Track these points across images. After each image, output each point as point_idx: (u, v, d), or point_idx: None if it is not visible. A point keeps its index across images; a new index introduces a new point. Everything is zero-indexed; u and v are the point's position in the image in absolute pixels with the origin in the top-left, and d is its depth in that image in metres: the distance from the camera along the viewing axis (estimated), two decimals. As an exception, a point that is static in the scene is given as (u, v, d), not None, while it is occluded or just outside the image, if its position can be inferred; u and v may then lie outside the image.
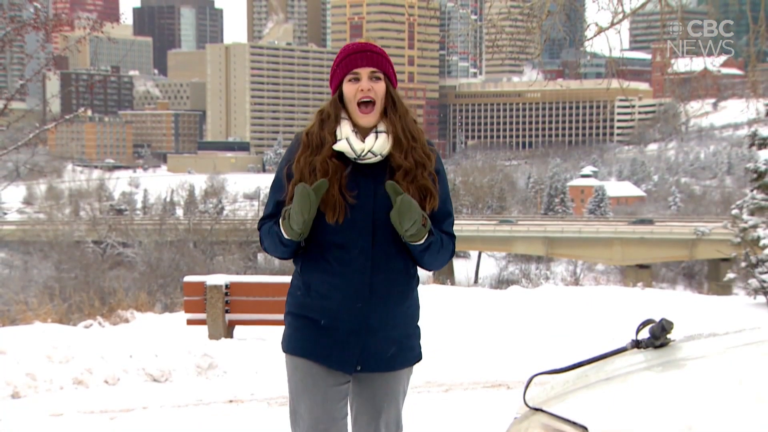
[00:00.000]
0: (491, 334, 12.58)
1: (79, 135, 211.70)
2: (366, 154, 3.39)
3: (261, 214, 3.70)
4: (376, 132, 3.42)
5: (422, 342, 3.67)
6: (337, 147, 3.38)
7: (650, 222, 78.27)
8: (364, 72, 3.41)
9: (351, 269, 3.38)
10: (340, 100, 3.46)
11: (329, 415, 3.45)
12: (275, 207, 3.52)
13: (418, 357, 3.59)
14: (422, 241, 3.35)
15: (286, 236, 3.38)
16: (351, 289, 3.39)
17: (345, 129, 3.41)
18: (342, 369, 3.43)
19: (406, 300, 3.50)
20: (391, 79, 3.49)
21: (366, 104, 3.40)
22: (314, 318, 3.45)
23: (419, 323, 3.61)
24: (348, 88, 3.42)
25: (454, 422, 6.84)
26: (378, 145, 3.39)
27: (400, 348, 3.50)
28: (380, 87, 3.43)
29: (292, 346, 3.51)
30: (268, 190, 3.69)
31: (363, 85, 3.39)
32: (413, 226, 3.27)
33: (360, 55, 3.44)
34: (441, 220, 3.48)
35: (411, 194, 3.33)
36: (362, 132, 3.42)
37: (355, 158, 3.40)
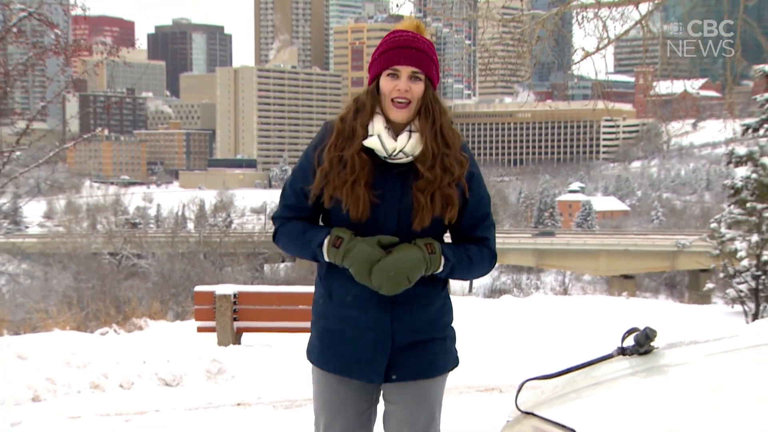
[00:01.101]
0: (485, 340, 12.55)
1: (96, 153, 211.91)
2: (397, 153, 3.06)
3: (268, 219, 3.43)
4: (410, 131, 3.08)
5: None
6: (367, 143, 3.06)
7: (637, 235, 78.17)
8: (405, 71, 3.05)
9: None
10: (377, 91, 3.12)
11: (356, 430, 3.22)
12: (296, 198, 3.19)
13: (454, 362, 3.23)
14: (441, 269, 3.06)
15: (326, 259, 3.08)
16: (374, 294, 3.05)
17: (378, 125, 3.07)
18: (371, 381, 3.14)
19: (432, 305, 3.16)
20: (432, 80, 3.12)
21: (401, 103, 3.06)
22: (337, 327, 3.15)
23: (453, 325, 3.27)
24: (386, 83, 3.07)
25: (449, 424, 6.81)
26: (410, 146, 3.06)
27: (431, 354, 3.15)
28: (418, 88, 3.07)
29: (316, 357, 3.23)
30: (275, 205, 3.40)
31: (401, 85, 3.04)
32: (422, 270, 3.01)
33: (403, 52, 3.07)
34: (476, 224, 3.19)
35: (430, 204, 3.04)
36: (395, 128, 3.09)
37: (384, 157, 3.07)
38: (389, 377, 3.10)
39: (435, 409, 3.21)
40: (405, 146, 3.05)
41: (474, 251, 3.15)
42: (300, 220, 3.21)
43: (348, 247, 2.99)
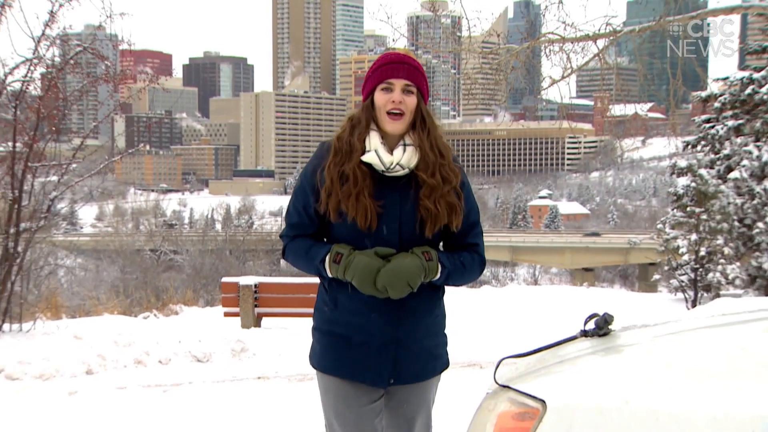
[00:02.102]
0: (468, 324, 12.52)
1: (139, 165, 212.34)
2: (394, 167, 2.79)
3: (283, 220, 3.09)
4: (404, 144, 2.81)
5: None
6: (365, 158, 2.79)
7: (598, 234, 78.35)
8: (398, 83, 2.80)
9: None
10: (371, 107, 2.86)
11: (369, 429, 2.88)
12: (299, 216, 2.92)
13: (445, 364, 3.01)
14: (438, 276, 2.82)
15: (329, 274, 2.82)
16: (378, 303, 2.79)
17: (374, 140, 2.81)
18: (375, 384, 2.85)
19: (433, 311, 2.93)
20: (423, 94, 2.87)
21: (395, 114, 2.81)
22: (343, 334, 2.86)
23: (446, 331, 3.04)
24: (380, 97, 2.81)
25: (437, 396, 6.80)
26: (406, 158, 2.79)
27: (429, 358, 2.92)
28: (411, 100, 2.81)
29: (323, 364, 2.92)
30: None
31: (395, 96, 2.79)
32: (421, 277, 2.76)
33: (396, 66, 2.83)
34: (467, 231, 2.92)
35: (439, 210, 2.79)
36: (390, 143, 2.82)
37: (382, 170, 2.80)
38: (394, 380, 2.86)
39: (430, 410, 3.02)
40: (401, 159, 2.79)
41: (466, 258, 2.91)
42: (305, 237, 2.94)
43: (348, 261, 2.75)
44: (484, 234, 3.09)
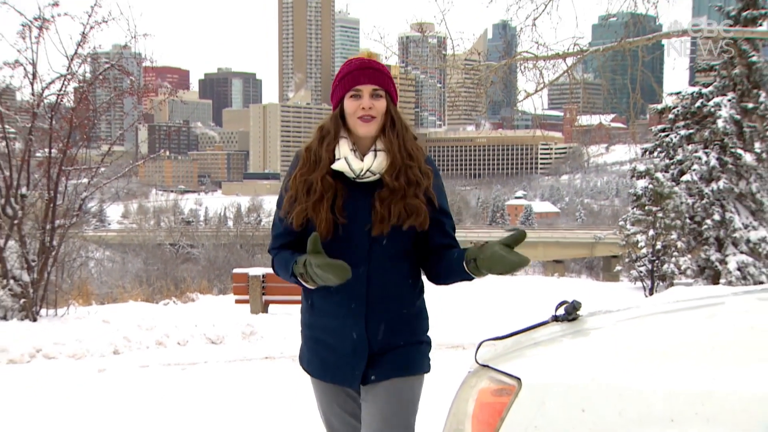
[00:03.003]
0: (452, 310, 12.53)
1: (160, 168, 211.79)
2: (364, 173, 2.51)
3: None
4: (375, 150, 2.53)
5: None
6: (335, 167, 2.51)
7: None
8: (366, 89, 2.51)
9: (349, 285, 2.43)
10: (341, 116, 2.57)
11: (352, 428, 2.64)
12: (283, 227, 2.62)
13: (427, 367, 2.63)
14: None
15: (307, 286, 2.52)
16: (350, 304, 2.52)
17: (344, 148, 2.52)
18: (351, 386, 2.58)
19: (407, 311, 2.59)
20: (392, 97, 2.57)
21: (366, 119, 2.52)
22: (320, 338, 2.60)
23: (429, 334, 2.67)
24: (349, 104, 2.52)
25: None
26: (376, 164, 2.51)
27: (408, 354, 2.57)
28: (381, 104, 2.52)
29: (305, 365, 2.70)
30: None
31: (364, 102, 2.50)
32: (512, 267, 2.38)
33: (362, 72, 2.53)
34: (449, 233, 2.62)
35: (393, 211, 2.49)
36: (361, 148, 2.54)
37: (353, 177, 2.52)
38: (368, 379, 2.54)
39: (410, 411, 2.58)
40: (372, 165, 2.50)
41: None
42: (288, 248, 2.61)
43: (309, 274, 2.40)
44: (467, 230, 2.93)
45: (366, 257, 2.50)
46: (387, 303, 2.53)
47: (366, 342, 2.52)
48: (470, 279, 2.54)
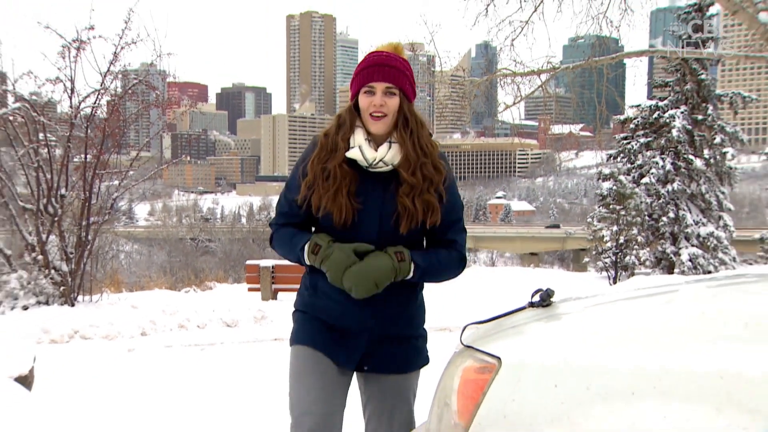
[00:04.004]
0: (440, 296, 12.54)
1: (182, 172, 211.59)
2: (377, 163, 2.28)
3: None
4: (390, 142, 2.30)
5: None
6: (349, 154, 2.29)
7: (558, 226, 76.09)
8: (379, 87, 2.27)
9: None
10: (355, 107, 2.35)
11: (325, 400, 2.29)
12: (289, 206, 2.40)
13: (425, 360, 2.46)
14: (411, 274, 2.29)
15: (308, 262, 2.33)
16: None
17: (358, 137, 2.30)
18: (346, 365, 2.35)
19: (409, 303, 2.40)
20: (407, 94, 2.32)
21: (377, 116, 2.28)
22: (321, 318, 2.37)
23: (426, 326, 2.48)
24: (363, 100, 2.30)
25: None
26: (390, 156, 2.28)
27: (407, 350, 2.39)
28: (393, 102, 2.28)
29: (299, 338, 2.41)
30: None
31: (376, 100, 2.27)
32: (390, 278, 2.24)
33: (377, 70, 2.28)
34: (448, 227, 2.36)
35: (416, 208, 2.27)
36: (375, 141, 2.31)
37: (366, 166, 2.30)
38: (362, 368, 2.36)
39: (412, 405, 2.43)
40: (385, 156, 2.28)
41: (443, 256, 2.36)
42: (292, 226, 2.42)
43: (326, 254, 2.25)
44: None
45: (374, 245, 2.28)
46: (391, 292, 2.30)
47: (368, 328, 2.32)
48: (414, 281, 2.35)
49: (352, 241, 2.26)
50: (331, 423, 2.28)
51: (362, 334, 2.33)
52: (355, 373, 2.44)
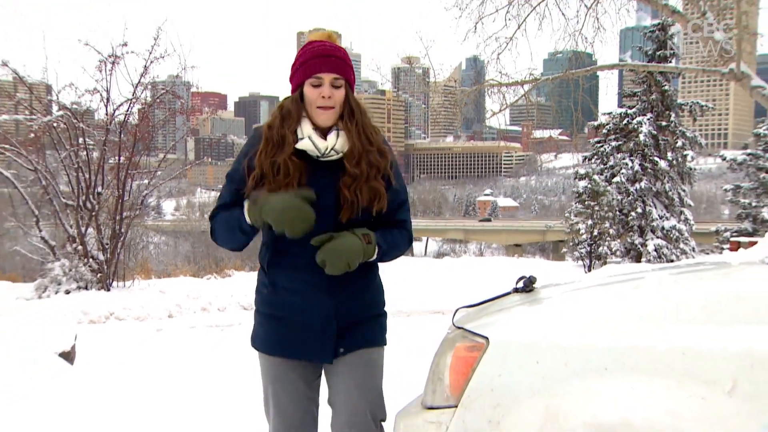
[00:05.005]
0: (434, 282, 12.54)
1: (203, 172, 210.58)
2: (329, 151, 2.02)
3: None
4: (337, 130, 2.03)
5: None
6: (300, 146, 2.01)
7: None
8: (327, 77, 2.01)
9: (315, 262, 1.99)
10: (300, 99, 2.05)
11: (301, 408, 2.11)
12: (231, 197, 2.08)
13: (385, 341, 2.18)
14: (375, 256, 2.05)
15: (248, 221, 1.99)
16: (317, 282, 2.03)
17: (306, 128, 2.02)
18: (323, 360, 2.09)
19: (370, 285, 2.15)
20: (351, 84, 2.08)
21: (326, 108, 2.02)
22: (284, 316, 2.07)
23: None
24: (309, 91, 2.02)
25: (413, 334, 6.79)
26: (340, 143, 2.02)
27: (373, 328, 2.14)
28: (340, 93, 2.03)
29: (263, 344, 2.13)
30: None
31: (324, 92, 2.00)
32: (360, 258, 2.00)
33: (324, 60, 2.01)
34: (396, 208, 2.13)
35: (362, 196, 2.03)
36: (322, 131, 2.04)
37: (317, 156, 2.02)
38: (337, 353, 2.08)
39: (379, 376, 2.15)
40: (335, 144, 2.02)
41: (396, 235, 2.13)
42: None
43: (263, 200, 1.94)
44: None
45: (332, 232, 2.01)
46: (351, 278, 2.05)
47: (334, 318, 2.05)
48: (375, 260, 2.10)
49: (310, 234, 1.97)
50: (306, 429, 2.13)
51: (331, 325, 2.05)
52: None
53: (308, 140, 2.02)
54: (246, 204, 2.00)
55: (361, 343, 2.11)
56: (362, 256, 2.01)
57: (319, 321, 2.05)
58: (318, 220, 1.96)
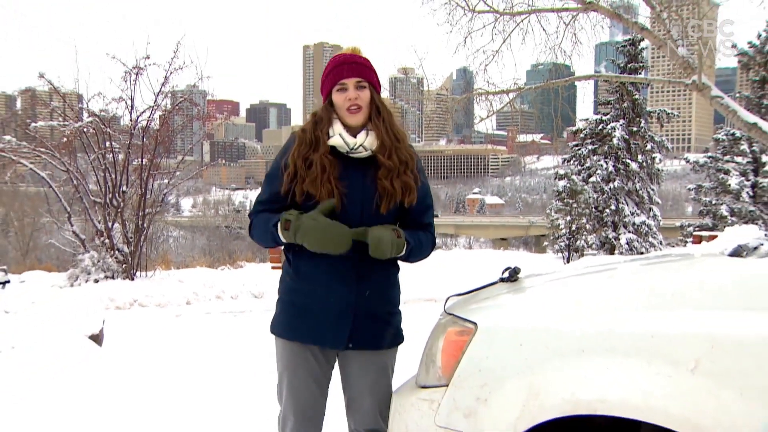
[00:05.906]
0: (428, 273, 12.55)
1: (218, 172, 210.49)
2: (357, 147, 2.00)
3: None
4: (367, 130, 2.03)
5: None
6: (331, 141, 2.00)
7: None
8: (351, 82, 2.01)
9: (339, 254, 1.94)
10: (330, 106, 2.05)
11: (312, 394, 2.06)
12: (269, 196, 2.07)
13: (401, 338, 2.16)
14: (404, 252, 2.02)
15: (283, 240, 1.98)
16: (338, 273, 1.99)
17: (337, 127, 2.02)
18: (335, 346, 2.03)
19: (388, 283, 2.10)
20: (375, 87, 2.06)
21: (354, 109, 2.02)
22: (304, 303, 2.02)
23: (401, 307, 2.17)
24: (337, 97, 2.02)
25: (408, 320, 6.80)
26: (369, 141, 2.01)
27: (386, 327, 2.09)
28: (365, 95, 2.02)
29: (281, 329, 2.08)
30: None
31: (350, 94, 2.00)
32: (393, 250, 1.96)
33: (346, 67, 2.02)
34: (422, 212, 2.10)
35: (395, 188, 2.00)
36: (352, 132, 2.03)
37: (347, 151, 2.01)
38: (346, 345, 2.03)
39: (390, 377, 2.12)
40: (364, 141, 2.01)
41: (423, 237, 2.10)
42: (269, 212, 2.07)
43: (296, 225, 1.92)
44: (438, 216, 2.54)
45: (357, 227, 1.97)
46: (373, 271, 2.02)
47: (352, 308, 2.00)
48: (401, 258, 2.08)
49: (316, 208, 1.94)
50: (315, 414, 2.08)
51: (347, 314, 2.00)
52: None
53: (338, 137, 2.01)
54: (279, 226, 1.97)
55: (372, 344, 2.05)
56: (395, 248, 1.97)
57: (336, 309, 2.00)
58: (347, 212, 1.97)
